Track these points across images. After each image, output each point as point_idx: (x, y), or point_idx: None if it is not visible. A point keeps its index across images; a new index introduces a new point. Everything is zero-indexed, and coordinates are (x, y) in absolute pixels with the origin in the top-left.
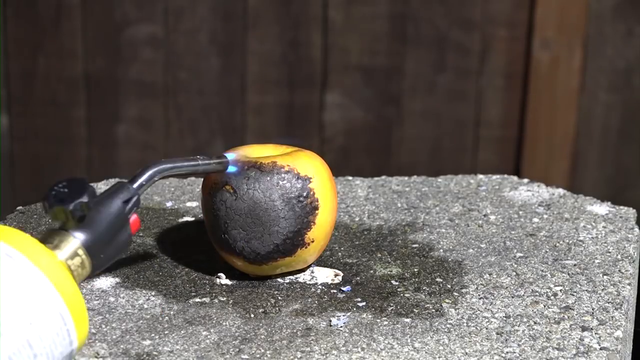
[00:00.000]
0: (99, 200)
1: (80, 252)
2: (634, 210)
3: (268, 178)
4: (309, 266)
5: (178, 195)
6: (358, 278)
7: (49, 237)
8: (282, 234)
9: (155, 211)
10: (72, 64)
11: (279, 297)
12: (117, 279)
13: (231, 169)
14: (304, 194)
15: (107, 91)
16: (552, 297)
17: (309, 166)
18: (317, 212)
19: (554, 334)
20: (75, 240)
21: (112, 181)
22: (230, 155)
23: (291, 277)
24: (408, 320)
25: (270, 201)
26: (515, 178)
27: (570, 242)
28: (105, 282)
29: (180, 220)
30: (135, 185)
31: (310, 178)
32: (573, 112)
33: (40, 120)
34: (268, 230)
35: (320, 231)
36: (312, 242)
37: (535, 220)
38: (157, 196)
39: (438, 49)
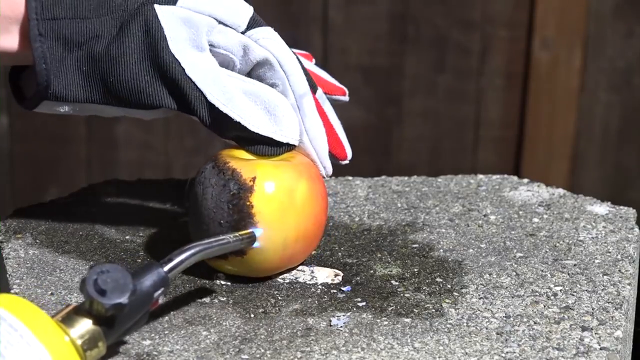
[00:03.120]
0: (135, 298)
1: (98, 335)
2: (634, 210)
3: (211, 177)
4: (307, 267)
5: (178, 196)
6: (358, 278)
7: (69, 315)
8: (215, 233)
9: (155, 211)
10: None
11: (279, 297)
12: None
13: (256, 244)
14: (234, 201)
15: None
16: (552, 297)
17: (271, 176)
18: (250, 222)
19: (554, 334)
20: (97, 329)
21: (112, 181)
22: (258, 231)
23: (291, 277)
24: (408, 320)
25: (204, 199)
26: (515, 178)
27: (570, 242)
28: None
29: (180, 220)
30: (167, 269)
31: (251, 187)
32: (573, 112)
33: (40, 120)
34: (205, 226)
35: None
36: (254, 254)
37: (535, 220)
38: (157, 196)
39: (438, 49)
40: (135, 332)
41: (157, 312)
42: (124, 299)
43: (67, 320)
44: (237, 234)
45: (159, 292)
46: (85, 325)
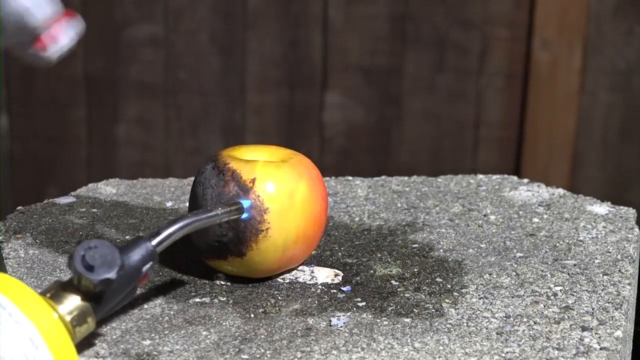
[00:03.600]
0: (123, 273)
1: (87, 311)
2: (634, 210)
3: (211, 178)
4: (307, 267)
5: (178, 195)
6: (358, 278)
7: (57, 292)
8: (215, 235)
9: (155, 211)
10: (72, 64)
11: (279, 297)
12: None
13: (245, 215)
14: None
15: (107, 91)
16: (552, 297)
17: (271, 177)
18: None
19: (554, 334)
20: (86, 305)
21: (113, 181)
22: (246, 202)
23: (291, 277)
24: (408, 320)
25: (204, 200)
26: (515, 178)
27: (570, 242)
28: None
29: None
30: (155, 243)
31: (251, 188)
32: (573, 112)
33: (40, 120)
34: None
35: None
36: (254, 255)
37: (535, 220)
38: (157, 196)
39: (438, 49)
40: (126, 303)
41: (157, 312)
42: (112, 274)
43: (56, 296)
44: (225, 207)
45: (147, 266)
46: (73, 301)
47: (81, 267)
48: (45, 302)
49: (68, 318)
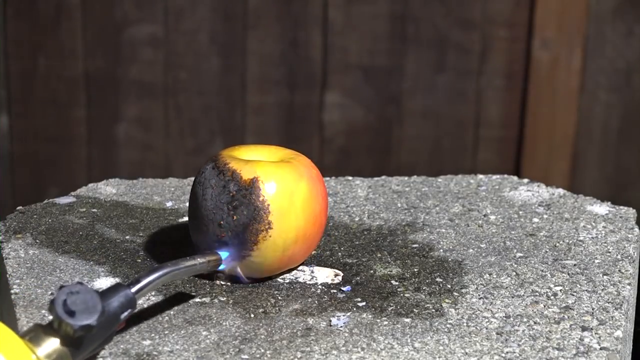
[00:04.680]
0: (103, 319)
1: (65, 355)
2: (634, 210)
3: (211, 178)
4: (307, 267)
5: (178, 195)
6: (358, 278)
7: (37, 335)
8: (215, 235)
9: (155, 211)
10: (72, 64)
11: (279, 297)
12: (117, 279)
13: (222, 266)
14: (234, 203)
15: (107, 91)
16: (552, 297)
17: (271, 177)
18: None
19: (554, 334)
20: (64, 349)
21: (113, 181)
22: (224, 254)
23: (291, 277)
24: (408, 320)
25: (204, 200)
26: (515, 178)
27: (570, 242)
28: (105, 282)
29: (180, 220)
30: (135, 290)
31: (249, 188)
32: (573, 112)
33: (40, 120)
34: (204, 227)
35: (270, 243)
36: (254, 255)
37: (535, 220)
38: (157, 196)
39: (438, 49)
40: (102, 348)
41: (157, 312)
42: (92, 321)
43: (35, 339)
44: (204, 257)
45: (126, 313)
46: (52, 344)
47: (62, 312)
48: (24, 343)
49: (33, 344)
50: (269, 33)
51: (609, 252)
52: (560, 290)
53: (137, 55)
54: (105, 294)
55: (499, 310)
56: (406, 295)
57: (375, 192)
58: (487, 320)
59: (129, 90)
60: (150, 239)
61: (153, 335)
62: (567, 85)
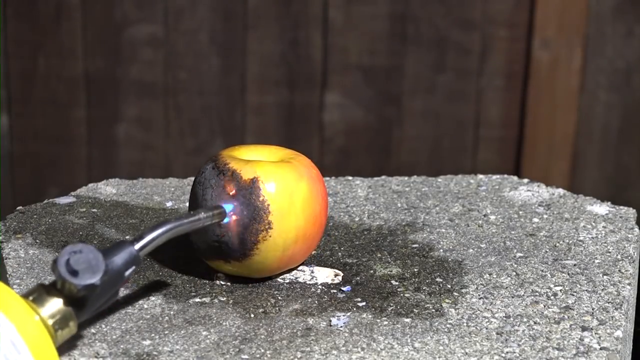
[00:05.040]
0: (106, 278)
1: (69, 315)
2: (634, 210)
3: (211, 178)
4: (307, 267)
5: (178, 195)
6: (358, 278)
7: (40, 295)
8: (215, 235)
9: (155, 211)
10: (72, 64)
11: (279, 297)
12: None
13: (226, 219)
14: (234, 203)
15: (107, 91)
16: (552, 297)
17: (271, 177)
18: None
19: (554, 334)
20: (68, 309)
21: (113, 181)
22: (228, 207)
23: (291, 277)
24: (408, 320)
25: (204, 200)
26: (515, 178)
27: (570, 242)
28: None
29: None
30: (138, 247)
31: (249, 188)
32: (573, 112)
33: (40, 120)
34: (204, 227)
35: (270, 243)
36: (254, 255)
37: (535, 220)
38: (157, 196)
39: (438, 49)
40: (107, 306)
41: (157, 312)
42: (96, 280)
43: (38, 299)
44: (208, 211)
45: (130, 270)
46: (56, 304)
47: (65, 271)
48: (27, 304)
49: (50, 322)
50: (269, 33)
51: (609, 252)
52: (560, 290)
53: (137, 55)
54: (108, 252)
55: (499, 310)
56: (406, 295)
57: (375, 192)
58: (487, 320)
59: (129, 90)
60: None
61: (153, 335)
62: (567, 85)
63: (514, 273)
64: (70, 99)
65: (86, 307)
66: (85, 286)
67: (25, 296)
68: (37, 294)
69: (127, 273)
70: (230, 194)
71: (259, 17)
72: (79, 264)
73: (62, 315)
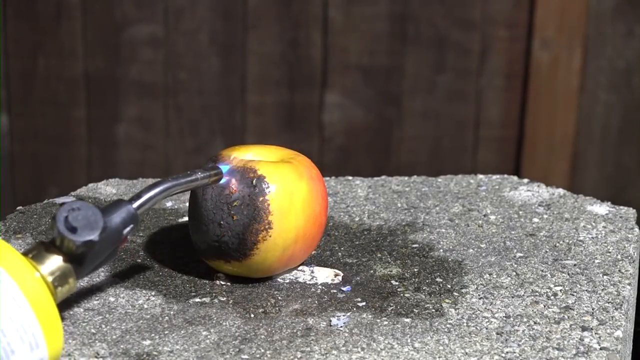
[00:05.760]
0: (105, 235)
1: (68, 272)
2: (634, 210)
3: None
4: (307, 267)
5: (178, 195)
6: (358, 278)
7: (39, 252)
8: (215, 235)
9: (155, 211)
10: (72, 64)
11: (279, 297)
12: (117, 279)
13: (223, 180)
14: (234, 203)
15: (107, 91)
16: (552, 297)
17: (271, 177)
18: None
19: (554, 334)
20: (67, 266)
21: (112, 181)
22: (224, 167)
23: (291, 277)
24: (408, 320)
25: (204, 200)
26: (515, 178)
27: (570, 242)
28: (105, 282)
29: (180, 220)
30: (136, 206)
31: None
32: (573, 112)
33: (40, 120)
34: (204, 227)
35: (270, 243)
36: (254, 255)
37: (535, 220)
38: None
39: (438, 49)
40: (106, 264)
41: (157, 312)
42: (94, 236)
43: (38, 257)
44: (205, 171)
45: (128, 228)
46: (55, 261)
47: (64, 228)
48: (27, 261)
49: (50, 278)
50: (269, 33)
51: (609, 252)
52: (560, 290)
53: (137, 55)
54: (106, 210)
55: (499, 310)
56: (406, 295)
57: (375, 192)
58: (487, 320)
59: (129, 90)
60: (150, 239)
61: (153, 335)
62: (567, 85)
63: (514, 273)
64: (70, 99)
65: (85, 264)
66: (83, 242)
67: (25, 254)
68: (36, 252)
69: (126, 231)
70: (230, 193)
71: (259, 17)
72: (77, 221)
73: (61, 272)
